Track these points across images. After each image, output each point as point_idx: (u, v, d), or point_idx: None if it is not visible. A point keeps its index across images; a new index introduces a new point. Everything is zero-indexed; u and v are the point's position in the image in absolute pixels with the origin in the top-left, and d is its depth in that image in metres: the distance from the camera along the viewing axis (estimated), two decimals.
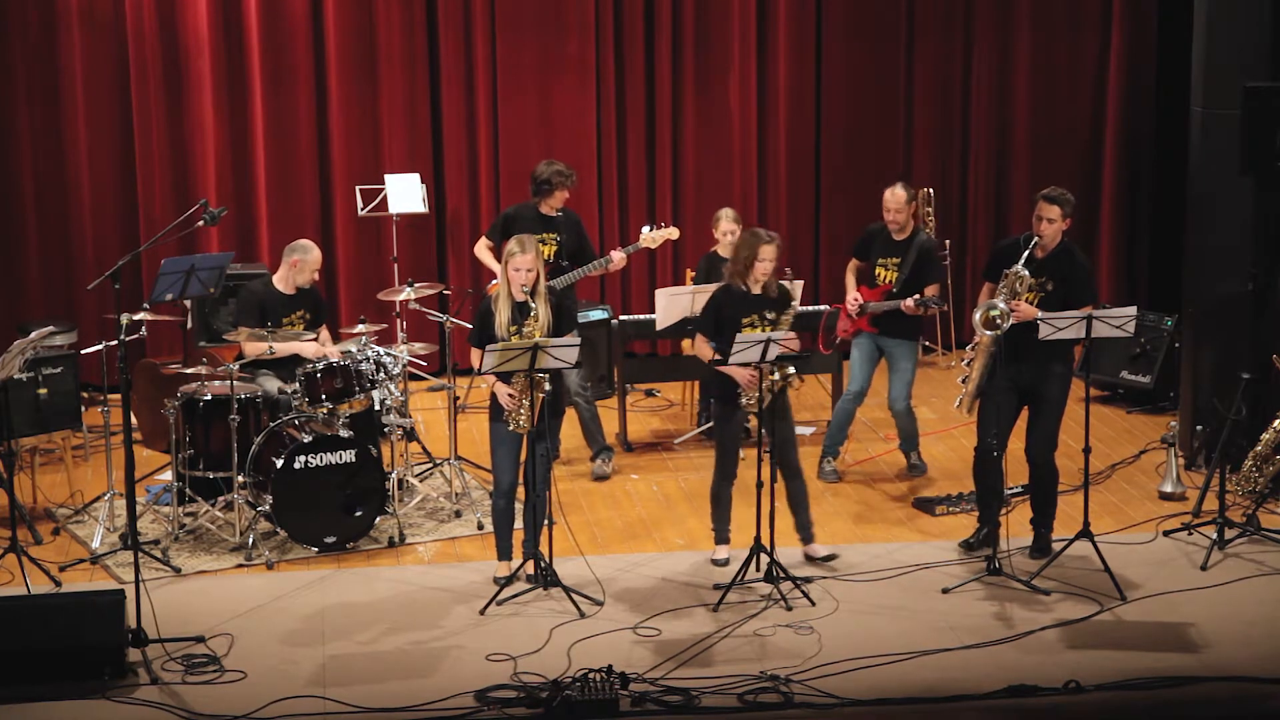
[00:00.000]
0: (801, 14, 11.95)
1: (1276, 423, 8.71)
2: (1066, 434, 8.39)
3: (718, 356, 8.00)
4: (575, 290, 9.94)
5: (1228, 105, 9.29)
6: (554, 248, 9.64)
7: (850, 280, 9.58)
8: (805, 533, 8.25)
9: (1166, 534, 8.69)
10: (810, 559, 8.21)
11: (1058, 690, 6.91)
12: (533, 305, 7.80)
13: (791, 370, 8.00)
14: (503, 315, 7.85)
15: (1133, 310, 8.10)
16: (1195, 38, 9.70)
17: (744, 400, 7.99)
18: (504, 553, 8.08)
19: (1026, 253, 8.05)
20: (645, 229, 9.90)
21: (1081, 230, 12.40)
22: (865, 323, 9.43)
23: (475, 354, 7.97)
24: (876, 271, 9.44)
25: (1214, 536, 8.43)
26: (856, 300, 9.41)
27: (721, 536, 8.26)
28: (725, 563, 8.13)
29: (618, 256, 9.59)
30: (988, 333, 8.00)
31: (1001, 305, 7.97)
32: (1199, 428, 9.60)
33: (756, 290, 8.04)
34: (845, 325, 9.52)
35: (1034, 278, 8.09)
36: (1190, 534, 8.63)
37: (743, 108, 11.98)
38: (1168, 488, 9.26)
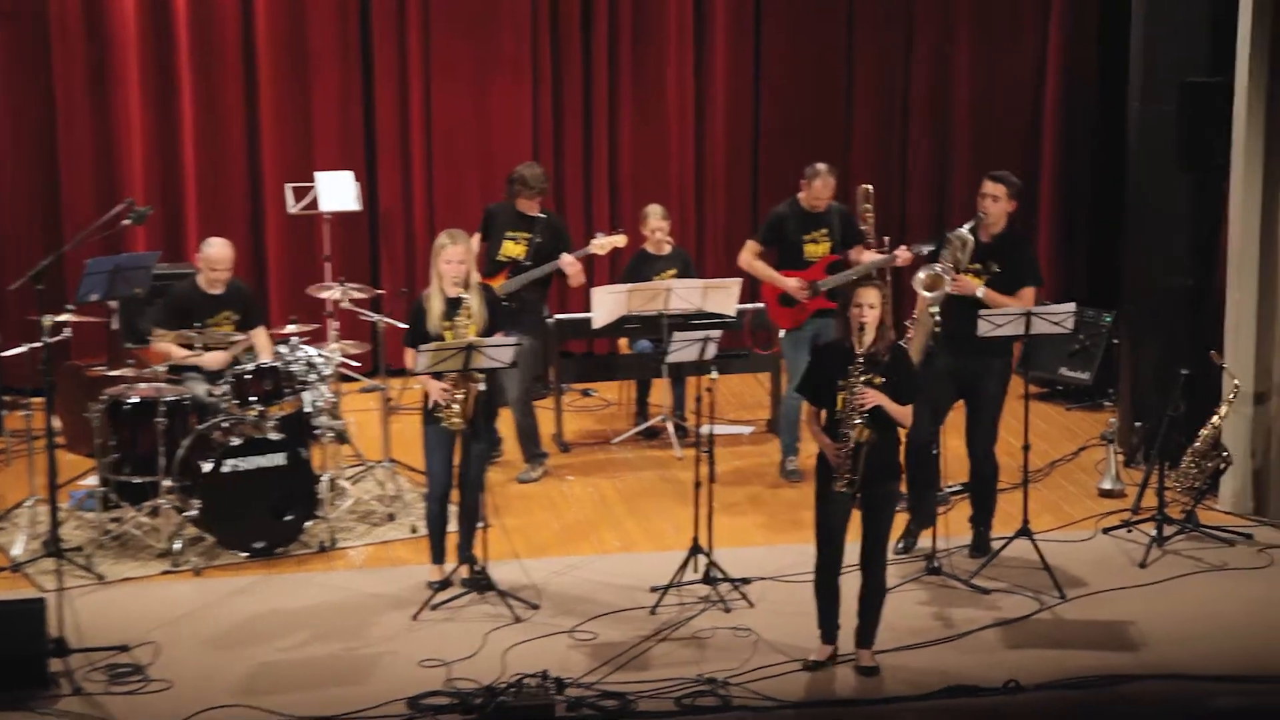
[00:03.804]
0: (740, 10, 11.93)
1: (1215, 419, 8.76)
2: (1005, 431, 8.41)
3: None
4: (544, 299, 9.85)
5: (1166, 101, 9.34)
6: (525, 248, 9.57)
7: (764, 267, 9.44)
8: (862, 637, 7.18)
9: (1106, 531, 8.72)
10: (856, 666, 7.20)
11: (997, 690, 6.91)
12: (467, 301, 7.74)
13: (867, 431, 6.89)
14: (435, 310, 7.79)
15: (1072, 306, 8.13)
16: (1133, 34, 9.76)
17: (836, 485, 6.95)
18: (438, 556, 8.02)
19: (969, 227, 8.09)
20: (597, 236, 9.86)
21: (1022, 226, 12.44)
22: (823, 301, 9.30)
23: (410, 354, 7.90)
24: (805, 250, 9.36)
25: (1153, 534, 8.47)
26: (802, 284, 9.32)
27: (826, 635, 7.17)
28: (815, 666, 7.10)
29: (568, 261, 9.51)
30: (928, 294, 7.98)
31: (940, 268, 7.99)
32: (1138, 424, 9.64)
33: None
34: (795, 315, 9.39)
35: (980, 261, 8.10)
36: (1129, 531, 8.66)
37: (680, 105, 11.95)
38: (1107, 485, 9.30)
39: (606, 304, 9.86)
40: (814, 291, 9.30)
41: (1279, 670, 7.12)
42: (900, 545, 8.31)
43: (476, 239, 9.63)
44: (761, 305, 9.69)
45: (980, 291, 8.08)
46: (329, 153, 11.45)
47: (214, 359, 8.76)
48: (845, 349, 6.96)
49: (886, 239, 9.44)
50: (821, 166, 9.35)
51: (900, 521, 8.61)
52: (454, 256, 7.73)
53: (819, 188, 9.30)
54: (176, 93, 11.21)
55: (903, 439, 7.13)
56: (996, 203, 8.15)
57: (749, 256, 9.47)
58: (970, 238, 8.06)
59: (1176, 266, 9.57)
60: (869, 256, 9.30)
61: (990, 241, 8.17)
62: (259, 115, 11.38)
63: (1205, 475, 8.79)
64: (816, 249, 9.37)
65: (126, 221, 7.88)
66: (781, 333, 9.49)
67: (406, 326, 7.98)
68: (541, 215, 9.64)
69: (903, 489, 7.59)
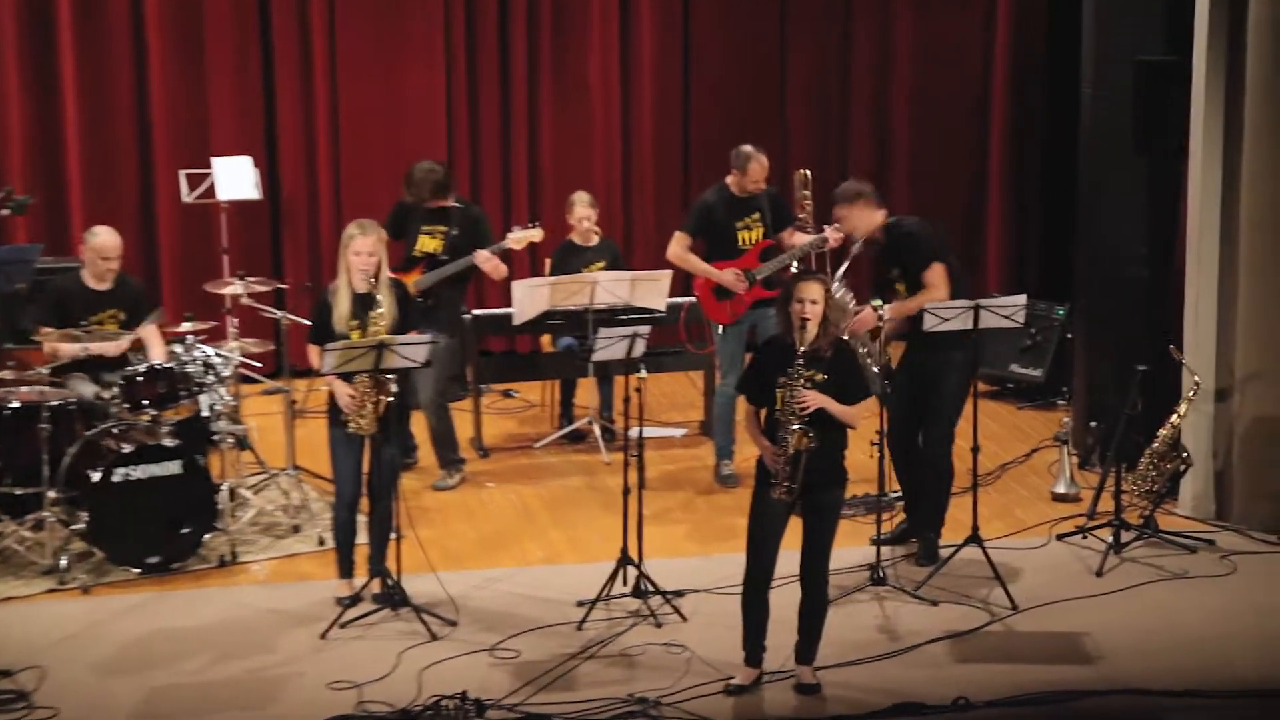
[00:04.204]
0: None
1: (1174, 417, 8.85)
2: (954, 431, 8.44)
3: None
4: (462, 295, 9.81)
5: (1119, 82, 9.43)
6: (441, 242, 9.54)
7: (696, 260, 9.46)
8: (803, 652, 7.20)
9: (1060, 538, 8.80)
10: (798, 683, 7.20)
11: (946, 708, 6.95)
12: (377, 297, 7.71)
13: (809, 435, 6.87)
14: (342, 307, 7.75)
15: (1022, 299, 8.20)
16: (1085, 10, 9.84)
17: (774, 491, 6.93)
18: (345, 570, 8.00)
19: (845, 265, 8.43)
20: (514, 229, 9.83)
21: (968, 216, 12.58)
22: (760, 291, 9.33)
23: (314, 352, 7.85)
24: (739, 237, 9.39)
25: (1110, 540, 8.55)
26: (739, 275, 9.35)
27: (750, 657, 7.16)
28: (738, 690, 7.09)
29: (483, 258, 9.48)
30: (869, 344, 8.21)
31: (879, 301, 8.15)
32: (1093, 424, 9.73)
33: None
34: (732, 308, 9.41)
35: (882, 270, 8.29)
36: (1085, 538, 8.74)
37: (604, 88, 11.98)
38: (1061, 488, 9.38)
39: (528, 299, 9.85)
40: (751, 281, 9.34)
41: (1243, 685, 7.20)
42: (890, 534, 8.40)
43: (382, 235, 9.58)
44: (695, 299, 9.70)
45: (882, 313, 8.18)
46: (226, 138, 11.40)
47: (116, 346, 8.68)
48: (786, 345, 6.97)
49: (826, 227, 9.49)
50: (748, 149, 9.39)
51: (864, 529, 8.68)
52: (364, 248, 7.70)
53: (755, 170, 9.34)
54: (58, 73, 11.13)
55: (849, 442, 7.16)
56: (845, 221, 8.37)
57: (679, 249, 9.49)
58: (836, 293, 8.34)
59: (1132, 257, 9.67)
60: (801, 238, 9.36)
61: (879, 254, 8.33)
62: (149, 97, 11.31)
63: (1164, 478, 8.88)
64: (750, 235, 9.41)
65: (5, 211, 7.80)
66: (719, 328, 9.51)
67: (310, 323, 7.94)
68: (456, 205, 9.62)
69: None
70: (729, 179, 9.42)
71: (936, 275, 8.22)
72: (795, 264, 9.28)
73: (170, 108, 11.33)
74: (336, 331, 7.72)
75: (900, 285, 8.27)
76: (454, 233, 9.55)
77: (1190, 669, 7.33)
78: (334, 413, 7.80)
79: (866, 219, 8.34)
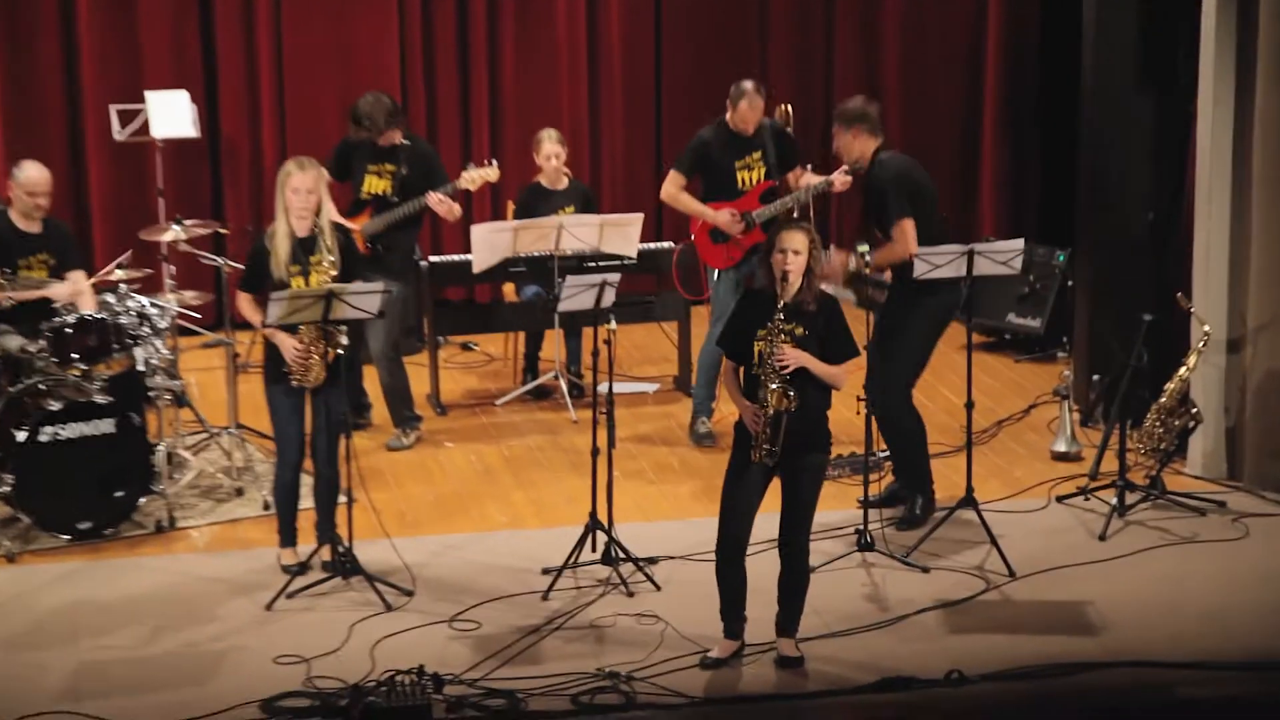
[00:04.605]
0: None
1: (1182, 370, 8.86)
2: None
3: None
4: (413, 237, 9.75)
5: (1124, 14, 9.41)
6: (389, 183, 9.48)
7: (690, 199, 9.44)
8: (784, 624, 7.20)
9: (1060, 500, 8.82)
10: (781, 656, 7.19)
11: (938, 682, 6.96)
12: (320, 241, 7.65)
13: (791, 392, 6.85)
14: (281, 252, 7.68)
15: (1020, 244, 8.19)
16: None
17: (753, 453, 6.92)
18: (288, 537, 8.01)
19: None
20: (468, 168, 9.74)
21: (961, 154, 12.56)
22: (759, 235, 9.30)
23: (245, 301, 7.79)
24: (738, 177, 9.37)
25: (1113, 502, 8.57)
26: (734, 216, 9.31)
27: (728, 629, 7.19)
28: (715, 664, 7.09)
29: (435, 200, 9.42)
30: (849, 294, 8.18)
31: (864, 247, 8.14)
32: (1095, 377, 9.75)
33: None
34: (729, 252, 9.38)
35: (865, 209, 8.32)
36: (1087, 499, 8.76)
37: (570, 18, 11.93)
38: (1061, 447, 9.39)
39: (488, 244, 9.82)
40: (749, 225, 9.30)
41: (1256, 656, 7.22)
42: (899, 519, 8.41)
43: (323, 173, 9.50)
44: (688, 242, 9.67)
45: (853, 262, 8.19)
46: (161, 71, 11.34)
47: (65, 289, 8.60)
48: (768, 297, 6.96)
49: (808, 166, 9.48)
50: (748, 85, 9.34)
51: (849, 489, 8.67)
52: (302, 185, 7.64)
53: (745, 110, 9.29)
54: None
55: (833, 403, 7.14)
56: (839, 141, 8.39)
57: (672, 188, 9.48)
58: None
59: (1138, 199, 9.67)
60: (809, 179, 9.34)
61: (865, 183, 8.38)
62: (75, 22, 11.24)
63: (1172, 435, 8.89)
64: (750, 175, 9.37)
65: None
66: (715, 273, 9.49)
67: (244, 269, 7.87)
68: (404, 142, 9.54)
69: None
70: (728, 115, 9.37)
71: (900, 231, 8.20)
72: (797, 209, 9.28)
73: (99, 35, 11.26)
74: (276, 279, 7.66)
75: (878, 233, 8.27)
76: (403, 172, 9.49)
77: (1199, 640, 7.35)
78: (272, 367, 7.75)
79: (858, 146, 8.35)
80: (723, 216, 9.32)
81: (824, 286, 7.07)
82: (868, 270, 8.23)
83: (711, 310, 9.60)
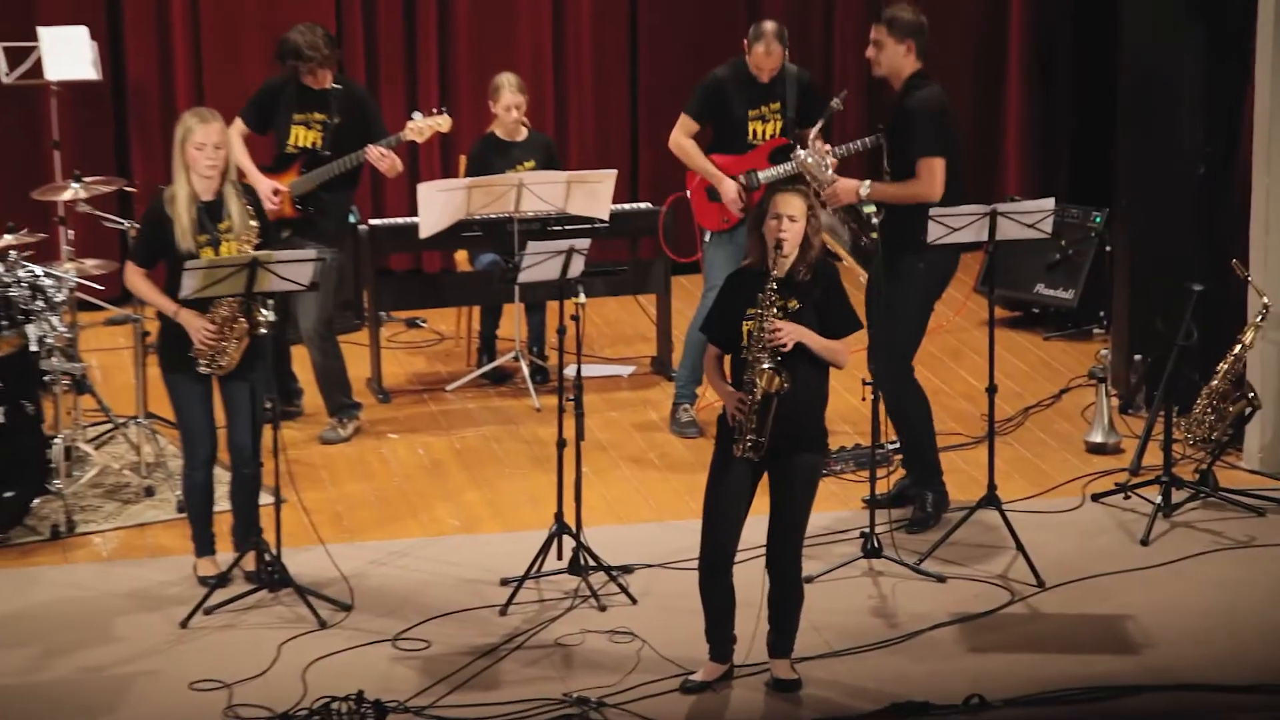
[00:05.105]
0: None
1: (1237, 349, 8.88)
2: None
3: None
4: (349, 197, 9.73)
5: None
6: (319, 133, 9.45)
7: (697, 151, 9.41)
8: (777, 644, 7.23)
9: (1096, 498, 8.85)
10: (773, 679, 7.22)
11: (956, 708, 6.98)
12: (227, 206, 7.62)
13: (780, 373, 6.84)
14: (184, 219, 7.63)
15: (1050, 203, 8.20)
16: None
17: (736, 447, 6.93)
18: (205, 545, 8.03)
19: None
20: (414, 116, 9.69)
21: (986, 105, 12.57)
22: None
23: (135, 274, 7.78)
24: (750, 128, 9.37)
25: (1157, 501, 8.59)
26: (740, 191, 9.27)
27: (714, 650, 7.20)
28: (699, 689, 7.11)
29: (375, 154, 9.39)
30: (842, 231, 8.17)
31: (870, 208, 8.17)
32: (1137, 358, 9.77)
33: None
34: (724, 213, 9.36)
35: (883, 139, 8.35)
36: (1127, 498, 8.79)
37: None
38: (1097, 437, 9.43)
39: (438, 205, 9.83)
40: (753, 184, 9.29)
41: None
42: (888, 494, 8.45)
43: (238, 125, 9.47)
44: (681, 195, 9.71)
45: (864, 190, 8.19)
46: (56, 3, 11.31)
47: None
48: (758, 274, 6.94)
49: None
50: (768, 27, 9.34)
51: (854, 488, 8.68)
52: (207, 139, 7.60)
53: (760, 56, 9.28)
54: None
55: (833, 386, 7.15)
56: (881, 50, 8.31)
57: (680, 136, 9.48)
58: (809, 158, 8.26)
59: (1185, 151, 9.67)
60: (820, 147, 9.31)
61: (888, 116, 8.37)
62: None
63: (1225, 423, 8.92)
64: (765, 128, 9.37)
65: None
66: (707, 235, 9.51)
67: (137, 238, 7.85)
68: (336, 87, 9.51)
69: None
70: (746, 55, 9.35)
71: (928, 169, 8.18)
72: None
73: None
74: (181, 250, 7.61)
75: (887, 169, 8.25)
76: (335, 121, 9.46)
77: (1255, 659, 7.37)
78: (172, 351, 7.73)
79: (903, 63, 8.32)
80: (728, 187, 9.30)
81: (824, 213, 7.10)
82: (862, 200, 8.21)
83: (704, 276, 9.57)
